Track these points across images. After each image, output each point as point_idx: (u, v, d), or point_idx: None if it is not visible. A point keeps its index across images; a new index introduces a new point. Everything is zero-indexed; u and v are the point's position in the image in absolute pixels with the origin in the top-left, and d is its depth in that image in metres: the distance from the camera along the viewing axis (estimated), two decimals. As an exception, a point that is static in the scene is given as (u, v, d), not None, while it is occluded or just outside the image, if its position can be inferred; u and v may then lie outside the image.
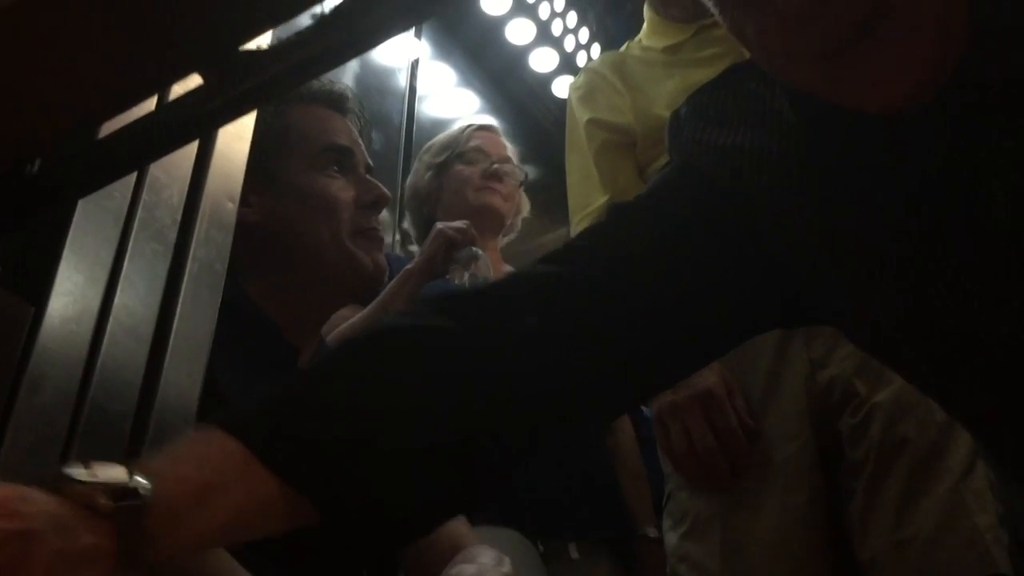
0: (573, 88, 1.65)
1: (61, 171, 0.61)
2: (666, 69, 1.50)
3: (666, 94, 1.46)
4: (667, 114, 1.28)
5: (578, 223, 1.55)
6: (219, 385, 0.95)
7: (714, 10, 0.63)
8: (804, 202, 0.70)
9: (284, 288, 1.07)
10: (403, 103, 2.40)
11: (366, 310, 1.56)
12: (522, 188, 1.91)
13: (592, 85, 1.61)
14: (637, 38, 1.62)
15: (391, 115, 2.35)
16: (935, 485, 1.09)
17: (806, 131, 0.69)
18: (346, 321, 1.53)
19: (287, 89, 0.54)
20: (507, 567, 0.98)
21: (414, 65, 2.52)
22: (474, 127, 1.90)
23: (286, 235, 1.07)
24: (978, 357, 0.63)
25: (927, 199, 0.64)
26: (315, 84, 1.19)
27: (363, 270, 1.11)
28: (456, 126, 1.93)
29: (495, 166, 1.81)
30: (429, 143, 1.98)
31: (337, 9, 0.48)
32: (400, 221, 2.03)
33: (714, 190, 0.73)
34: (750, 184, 0.72)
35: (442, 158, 1.86)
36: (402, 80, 2.42)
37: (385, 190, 1.15)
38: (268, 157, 1.11)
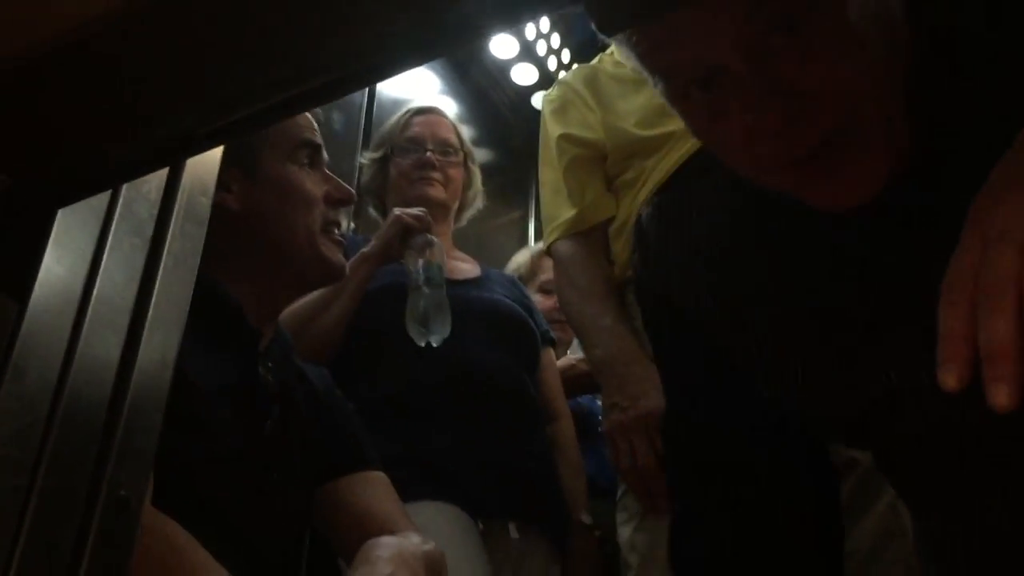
0: (547, 101, 1.69)
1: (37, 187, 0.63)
2: (636, 85, 1.53)
3: (636, 110, 1.50)
4: (636, 131, 1.37)
5: (548, 235, 1.60)
6: (183, 361, 0.98)
7: (674, 110, 0.69)
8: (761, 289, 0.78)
9: (254, 274, 1.11)
10: (364, 84, 2.39)
11: (321, 290, 1.59)
12: (468, 164, 1.92)
13: (565, 99, 1.65)
14: (609, 50, 1.65)
15: (352, 96, 2.35)
16: (876, 502, 1.18)
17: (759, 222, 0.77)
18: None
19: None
20: (431, 546, 1.03)
21: (376, 45, 2.51)
22: (410, 112, 1.90)
23: (263, 224, 1.11)
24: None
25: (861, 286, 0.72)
26: None
27: (331, 267, 1.15)
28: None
29: (428, 154, 1.82)
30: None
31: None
32: (356, 207, 2.06)
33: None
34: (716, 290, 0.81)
35: (380, 152, 1.88)
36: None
37: (352, 190, 1.19)
38: (250, 147, 1.15)
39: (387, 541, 0.99)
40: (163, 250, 0.76)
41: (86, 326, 0.67)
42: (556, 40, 3.05)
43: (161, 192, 0.78)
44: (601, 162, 1.54)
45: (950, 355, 0.51)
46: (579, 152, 1.56)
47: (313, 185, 1.16)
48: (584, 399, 2.12)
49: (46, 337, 0.65)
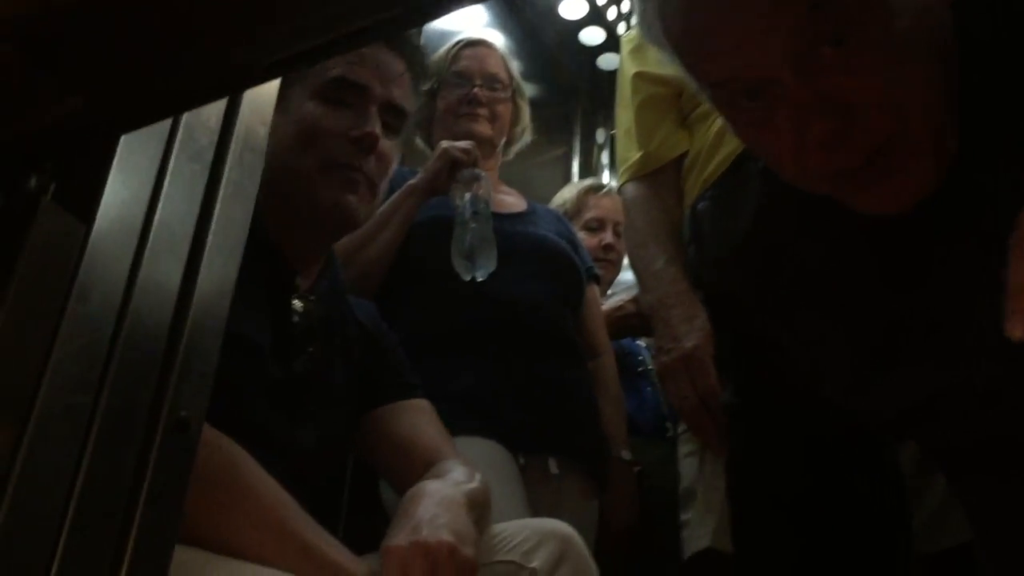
0: (626, 40, 1.64)
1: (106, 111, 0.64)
2: None
3: None
4: None
5: (620, 177, 1.58)
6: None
7: (723, 118, 0.68)
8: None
9: (282, 211, 1.10)
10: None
11: (368, 222, 1.59)
12: (516, 99, 1.89)
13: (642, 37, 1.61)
14: None
15: (400, 26, 2.31)
16: None
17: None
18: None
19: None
20: (476, 482, 1.04)
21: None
22: (459, 44, 1.86)
23: (276, 159, 1.07)
24: None
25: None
26: None
27: (322, 209, 1.09)
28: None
29: (475, 90, 1.79)
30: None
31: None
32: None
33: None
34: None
35: (428, 85, 1.84)
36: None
37: (373, 131, 1.11)
38: (286, 81, 1.13)
39: (431, 489, 0.98)
40: (222, 177, 0.77)
41: (148, 250, 0.68)
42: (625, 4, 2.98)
43: (220, 121, 0.78)
44: (676, 100, 1.49)
45: (1019, 307, 0.51)
46: (653, 91, 1.51)
47: (333, 122, 1.11)
48: (625, 340, 2.12)
49: (110, 260, 0.66)
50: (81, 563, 0.56)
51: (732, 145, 1.00)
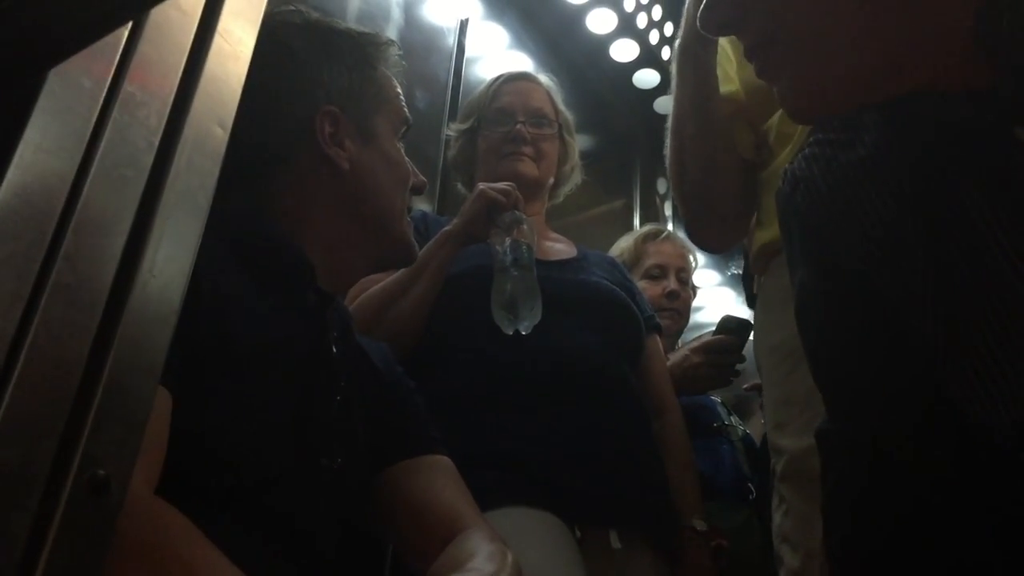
0: None
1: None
2: None
3: None
4: None
5: None
6: (242, 318, 0.87)
7: None
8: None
9: (343, 238, 1.04)
10: (450, 62, 2.28)
11: (397, 274, 1.47)
12: (564, 135, 1.76)
13: None
14: None
15: (437, 74, 2.23)
16: None
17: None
18: (375, 284, 1.45)
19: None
20: (508, 568, 0.87)
21: (463, 24, 2.41)
22: (501, 80, 1.75)
23: (365, 192, 1.06)
24: None
25: None
26: (385, 45, 1.16)
27: (410, 250, 1.14)
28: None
29: (518, 127, 1.67)
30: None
31: None
32: (441, 187, 1.94)
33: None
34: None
35: (468, 124, 1.75)
36: (450, 39, 2.32)
37: (426, 181, 1.19)
38: (366, 110, 1.09)
39: None
40: (163, 185, 0.64)
41: (60, 259, 0.55)
42: (657, 12, 2.85)
43: (164, 120, 0.65)
44: (737, 115, 1.36)
45: None
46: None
47: (408, 168, 1.14)
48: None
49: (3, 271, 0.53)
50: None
51: None
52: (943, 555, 0.58)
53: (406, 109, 1.15)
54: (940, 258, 0.59)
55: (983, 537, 0.56)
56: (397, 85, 1.15)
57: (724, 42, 1.43)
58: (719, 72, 1.42)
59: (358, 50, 1.10)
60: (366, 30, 1.15)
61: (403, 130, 1.14)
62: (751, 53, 0.73)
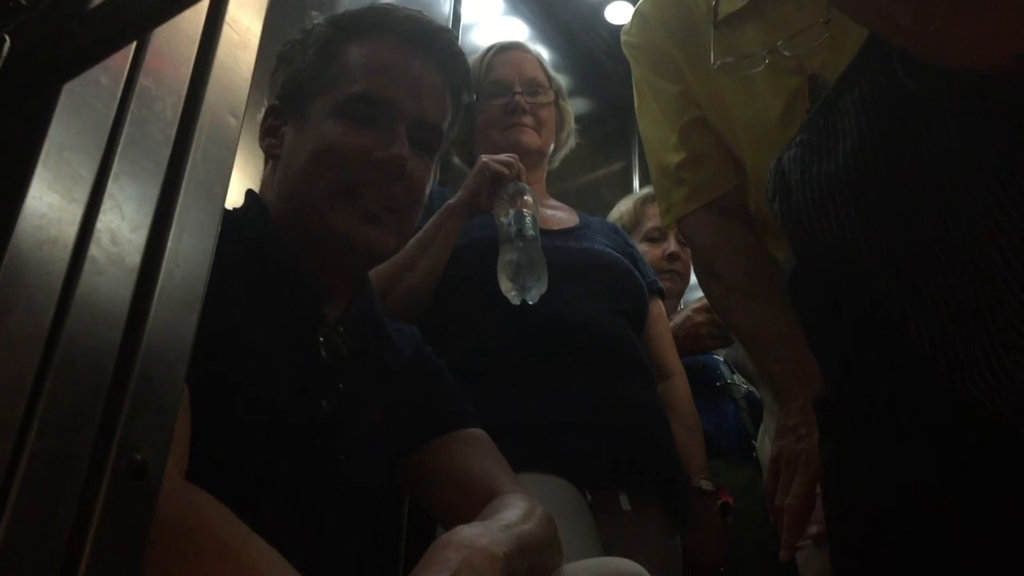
0: (624, 39, 1.47)
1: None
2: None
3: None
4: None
5: (666, 213, 1.41)
6: (235, 324, 0.88)
7: None
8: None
9: (304, 239, 1.01)
10: (447, 30, 2.27)
11: (407, 247, 1.48)
12: (559, 101, 1.75)
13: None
14: None
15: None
16: None
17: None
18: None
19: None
20: (534, 521, 0.89)
21: (459, -10, 2.39)
22: (492, 51, 1.74)
23: (290, 179, 1.01)
24: None
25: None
26: (400, 10, 1.08)
27: (337, 238, 0.98)
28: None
29: (516, 97, 1.67)
30: None
31: None
32: (442, 159, 1.94)
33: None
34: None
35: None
36: (445, 7, 2.31)
37: (399, 153, 1.00)
38: (304, 94, 1.03)
39: (459, 540, 0.80)
40: (183, 176, 0.66)
41: (87, 262, 0.57)
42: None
43: (179, 112, 0.67)
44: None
45: None
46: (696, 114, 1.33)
47: (353, 143, 0.99)
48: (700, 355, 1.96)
49: (36, 272, 0.55)
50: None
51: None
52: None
53: (371, 81, 1.02)
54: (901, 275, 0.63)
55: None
56: (385, 55, 1.04)
57: (667, 44, 1.35)
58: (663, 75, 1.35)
59: (320, 38, 1.05)
60: (356, 10, 1.09)
61: (360, 107, 1.01)
62: None
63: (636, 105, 1.44)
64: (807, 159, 0.70)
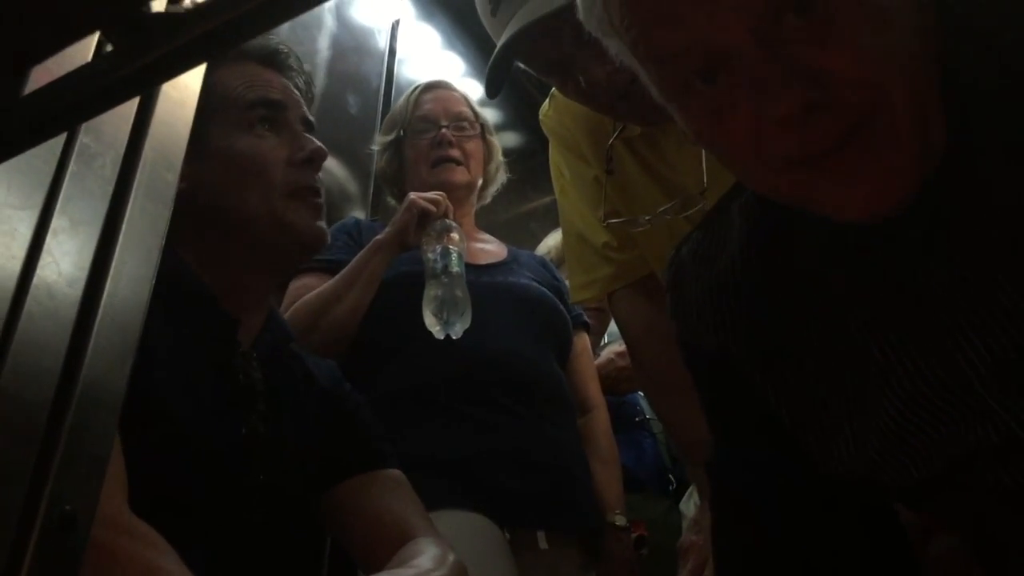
0: (543, 119, 1.47)
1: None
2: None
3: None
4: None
5: (575, 291, 1.46)
6: (149, 354, 0.90)
7: (677, 118, 0.61)
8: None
9: (220, 258, 1.02)
10: (382, 65, 2.31)
11: (331, 281, 1.51)
12: (486, 136, 1.79)
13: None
14: None
15: (369, 77, 2.26)
16: None
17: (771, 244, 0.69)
18: (309, 291, 1.48)
19: (210, 55, 0.47)
20: (446, 568, 0.93)
21: (395, 25, 2.43)
22: (418, 89, 1.78)
23: (215, 204, 1.02)
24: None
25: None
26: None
27: (300, 235, 1.04)
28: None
29: (442, 131, 1.70)
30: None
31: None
32: (375, 193, 1.96)
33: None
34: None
35: (393, 135, 1.76)
36: (382, 41, 2.34)
37: (320, 144, 1.07)
38: (198, 122, 1.05)
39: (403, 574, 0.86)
40: (119, 232, 0.68)
41: (23, 317, 0.59)
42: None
43: (117, 168, 0.69)
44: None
45: None
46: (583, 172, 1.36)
47: (269, 149, 1.04)
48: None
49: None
50: None
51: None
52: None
53: (258, 90, 1.07)
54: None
55: None
56: (251, 71, 1.08)
57: (579, 136, 1.35)
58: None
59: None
60: None
61: (259, 113, 1.06)
62: (830, 143, 0.55)
63: (553, 176, 1.46)
64: (697, 262, 0.76)
